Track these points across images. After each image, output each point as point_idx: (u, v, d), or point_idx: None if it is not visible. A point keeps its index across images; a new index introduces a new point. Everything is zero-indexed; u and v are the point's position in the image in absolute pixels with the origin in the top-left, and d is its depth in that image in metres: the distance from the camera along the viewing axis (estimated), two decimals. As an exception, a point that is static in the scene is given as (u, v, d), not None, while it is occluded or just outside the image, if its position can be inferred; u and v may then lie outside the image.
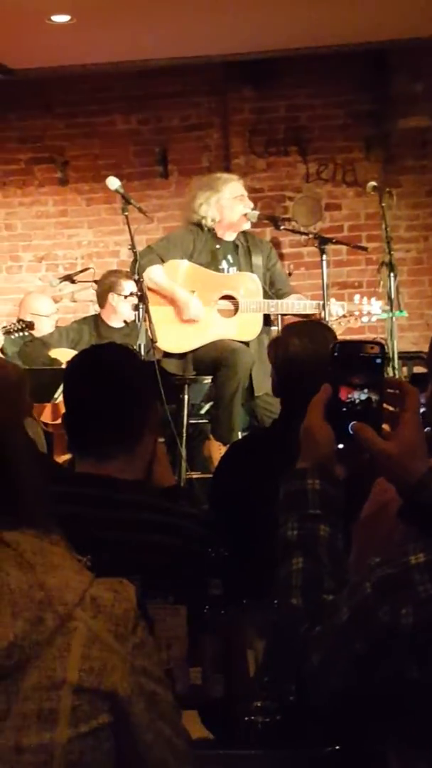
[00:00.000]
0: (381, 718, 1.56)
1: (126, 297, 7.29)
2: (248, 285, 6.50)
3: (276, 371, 3.88)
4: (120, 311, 7.33)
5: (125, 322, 7.40)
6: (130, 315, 7.26)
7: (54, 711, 1.46)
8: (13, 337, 6.76)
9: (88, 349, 3.04)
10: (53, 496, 1.67)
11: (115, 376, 2.70)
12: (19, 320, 6.88)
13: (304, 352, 3.72)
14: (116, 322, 7.40)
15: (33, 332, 7.12)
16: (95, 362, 2.80)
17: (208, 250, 6.53)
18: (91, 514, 2.54)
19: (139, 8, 7.39)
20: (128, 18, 7.57)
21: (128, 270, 7.53)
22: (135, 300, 7.21)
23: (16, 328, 6.77)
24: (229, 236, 6.58)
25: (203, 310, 6.41)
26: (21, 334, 6.79)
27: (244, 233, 6.66)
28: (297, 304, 6.46)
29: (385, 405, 1.76)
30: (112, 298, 7.34)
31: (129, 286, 7.29)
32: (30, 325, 6.86)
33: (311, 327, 4.23)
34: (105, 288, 7.41)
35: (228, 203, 6.51)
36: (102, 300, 7.43)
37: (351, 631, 1.53)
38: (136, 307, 6.12)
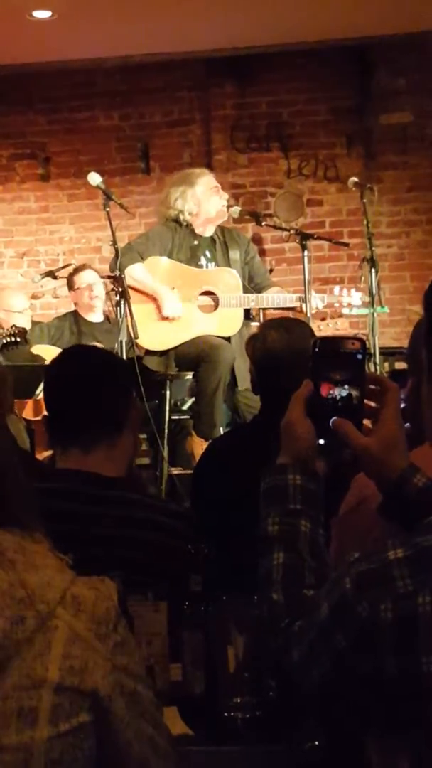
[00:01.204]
0: (361, 712, 1.56)
1: (77, 289, 7.33)
2: (227, 280, 6.50)
3: (254, 366, 3.89)
4: (81, 304, 7.37)
5: (105, 316, 7.41)
6: (92, 306, 7.30)
7: (34, 709, 1.46)
8: (5, 341, 6.74)
9: (70, 347, 3.13)
10: (36, 492, 1.66)
11: (97, 368, 2.76)
12: (13, 326, 6.85)
13: (281, 346, 3.72)
14: (93, 317, 7.40)
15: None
16: (78, 355, 2.92)
17: (186, 246, 6.52)
18: (71, 510, 2.54)
19: (120, 4, 7.38)
20: (110, 14, 7.56)
21: (84, 264, 7.61)
22: (92, 290, 7.28)
23: (7, 333, 6.74)
24: (207, 231, 6.57)
25: (180, 308, 6.40)
26: (12, 339, 6.76)
27: (221, 228, 6.65)
28: (277, 298, 6.46)
29: (366, 401, 1.77)
30: (71, 295, 7.40)
31: (86, 276, 7.33)
32: (21, 333, 6.82)
33: (288, 322, 4.24)
34: (68, 286, 7.48)
35: (204, 196, 6.51)
36: (72, 297, 7.50)
37: (330, 626, 1.53)
38: (117, 304, 6.11)
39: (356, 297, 6.60)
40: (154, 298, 6.41)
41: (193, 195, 6.50)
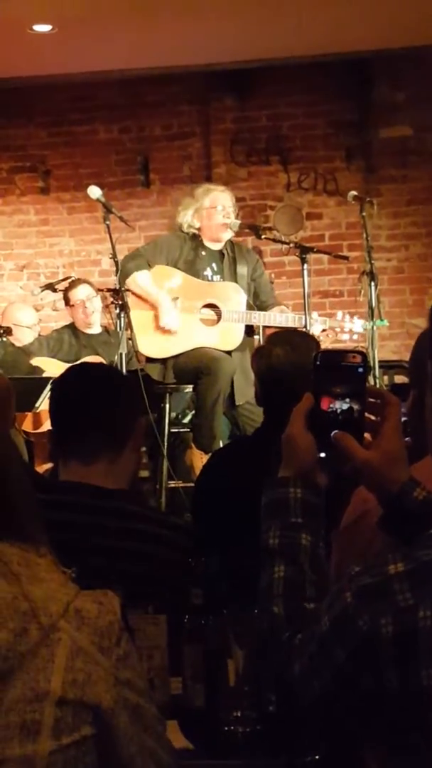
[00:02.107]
0: (361, 725, 1.56)
1: (72, 305, 7.34)
2: (232, 295, 6.51)
3: (259, 380, 3.89)
4: (77, 319, 7.37)
5: (104, 328, 7.41)
6: (87, 322, 7.31)
7: (37, 722, 1.46)
8: None
9: (78, 363, 3.19)
10: (39, 503, 1.67)
11: (105, 381, 2.80)
12: None
13: (287, 362, 3.72)
14: (91, 330, 7.41)
15: (12, 339, 7.12)
16: (86, 369, 3.03)
17: (192, 257, 6.54)
18: (73, 521, 2.54)
19: (120, 18, 7.40)
20: (110, 27, 7.58)
21: (79, 278, 7.61)
22: (85, 306, 7.28)
23: None
24: (214, 245, 6.59)
25: (177, 322, 6.41)
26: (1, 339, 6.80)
27: (231, 243, 6.67)
28: (279, 317, 6.47)
29: (367, 414, 1.77)
30: (68, 310, 7.42)
31: (79, 292, 7.34)
32: (8, 331, 6.85)
33: (294, 336, 4.22)
34: (64, 301, 7.48)
35: (206, 212, 6.53)
36: (68, 312, 7.50)
37: (331, 639, 1.53)
38: (117, 316, 6.12)
39: (358, 324, 6.60)
40: (155, 306, 6.43)
41: (195, 210, 6.53)
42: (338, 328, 6.59)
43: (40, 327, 7.62)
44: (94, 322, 7.39)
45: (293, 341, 3.89)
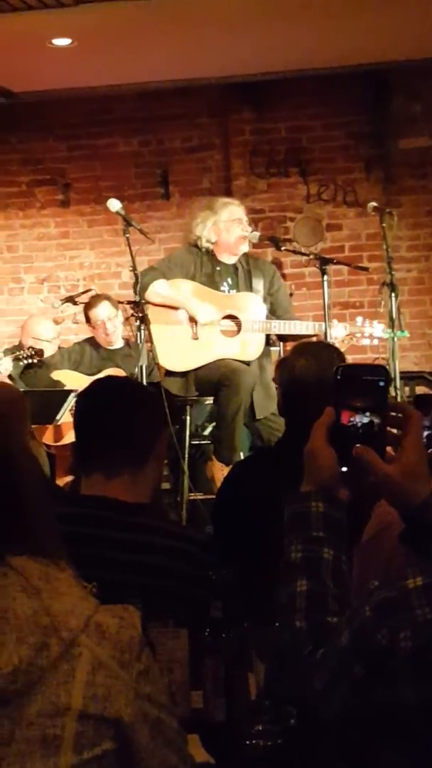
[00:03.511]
0: (381, 738, 1.55)
1: (93, 326, 7.30)
2: (251, 305, 6.50)
3: (281, 392, 3.88)
4: (98, 337, 7.34)
5: (125, 341, 7.41)
6: (109, 341, 7.28)
7: (58, 737, 1.46)
8: (21, 363, 6.75)
9: (103, 377, 3.20)
10: (58, 517, 1.67)
11: (129, 395, 2.81)
12: (29, 347, 6.86)
13: (310, 373, 3.71)
14: (109, 345, 7.37)
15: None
16: (111, 383, 3.00)
17: (208, 272, 6.53)
18: (94, 535, 2.54)
19: (139, 31, 7.42)
20: (129, 41, 7.60)
21: (99, 295, 7.57)
22: (106, 326, 7.24)
23: (25, 356, 6.75)
24: (229, 259, 6.58)
25: (215, 313, 6.41)
26: (30, 361, 6.78)
27: (246, 256, 6.65)
28: (299, 325, 6.45)
29: (389, 428, 1.77)
30: (88, 327, 7.40)
31: (100, 312, 7.30)
32: (39, 353, 6.84)
33: (317, 348, 4.21)
34: (85, 318, 7.44)
35: (224, 225, 6.52)
36: (89, 329, 7.47)
37: (350, 654, 1.53)
38: (138, 329, 6.12)
39: (378, 328, 6.58)
40: (176, 319, 6.42)
41: (214, 223, 6.51)
42: (359, 334, 6.58)
43: (60, 340, 7.62)
44: (116, 341, 7.36)
45: (316, 352, 3.88)
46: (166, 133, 9.28)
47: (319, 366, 3.70)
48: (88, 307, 7.38)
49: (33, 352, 6.79)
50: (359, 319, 6.68)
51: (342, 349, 5.90)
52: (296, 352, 3.99)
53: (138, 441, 2.69)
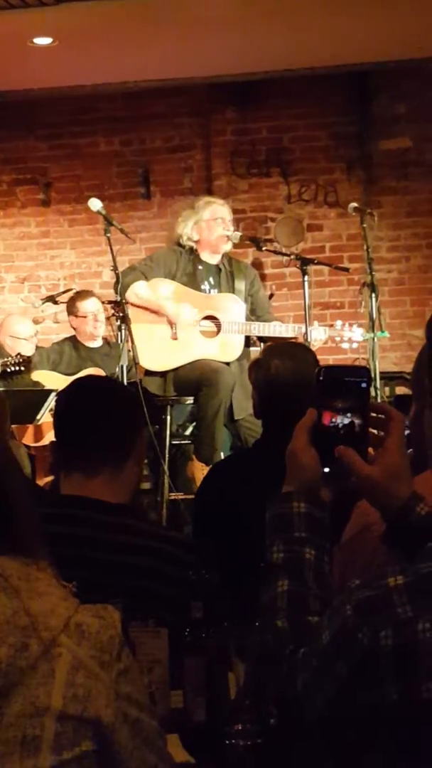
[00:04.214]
0: (363, 737, 1.56)
1: (81, 317, 7.33)
2: (231, 306, 6.51)
3: (257, 392, 3.88)
4: (82, 331, 7.37)
5: (105, 340, 7.41)
6: (94, 335, 7.30)
7: (37, 738, 1.45)
8: (9, 370, 6.73)
9: (82, 377, 3.22)
10: (39, 517, 1.66)
11: (109, 394, 2.82)
12: (18, 354, 6.84)
13: (286, 373, 3.72)
14: (91, 342, 7.40)
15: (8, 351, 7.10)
16: (90, 383, 3.04)
17: (190, 271, 6.54)
18: (74, 535, 2.54)
19: (121, 31, 7.41)
20: (111, 40, 7.59)
21: (87, 290, 7.60)
22: (96, 319, 7.27)
23: (12, 362, 6.72)
24: (212, 258, 6.59)
25: (196, 313, 6.42)
26: (17, 368, 6.75)
27: (228, 257, 6.67)
28: (279, 327, 6.47)
29: (370, 429, 1.77)
30: (72, 320, 7.41)
31: (90, 305, 7.33)
32: (26, 360, 6.81)
33: (292, 348, 4.21)
34: (68, 312, 7.47)
35: (206, 224, 6.53)
36: (72, 323, 7.48)
37: (332, 652, 1.53)
38: (119, 328, 6.12)
39: (357, 333, 6.60)
40: (156, 317, 6.43)
41: (196, 222, 6.53)
42: (338, 338, 6.59)
43: (37, 339, 7.61)
44: (100, 335, 7.39)
45: (291, 352, 3.88)
46: (148, 133, 9.27)
47: (294, 365, 3.71)
48: (75, 299, 7.40)
49: (21, 360, 6.76)
50: (338, 323, 6.69)
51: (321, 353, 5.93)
52: (270, 352, 4.00)
53: (117, 440, 2.69)
